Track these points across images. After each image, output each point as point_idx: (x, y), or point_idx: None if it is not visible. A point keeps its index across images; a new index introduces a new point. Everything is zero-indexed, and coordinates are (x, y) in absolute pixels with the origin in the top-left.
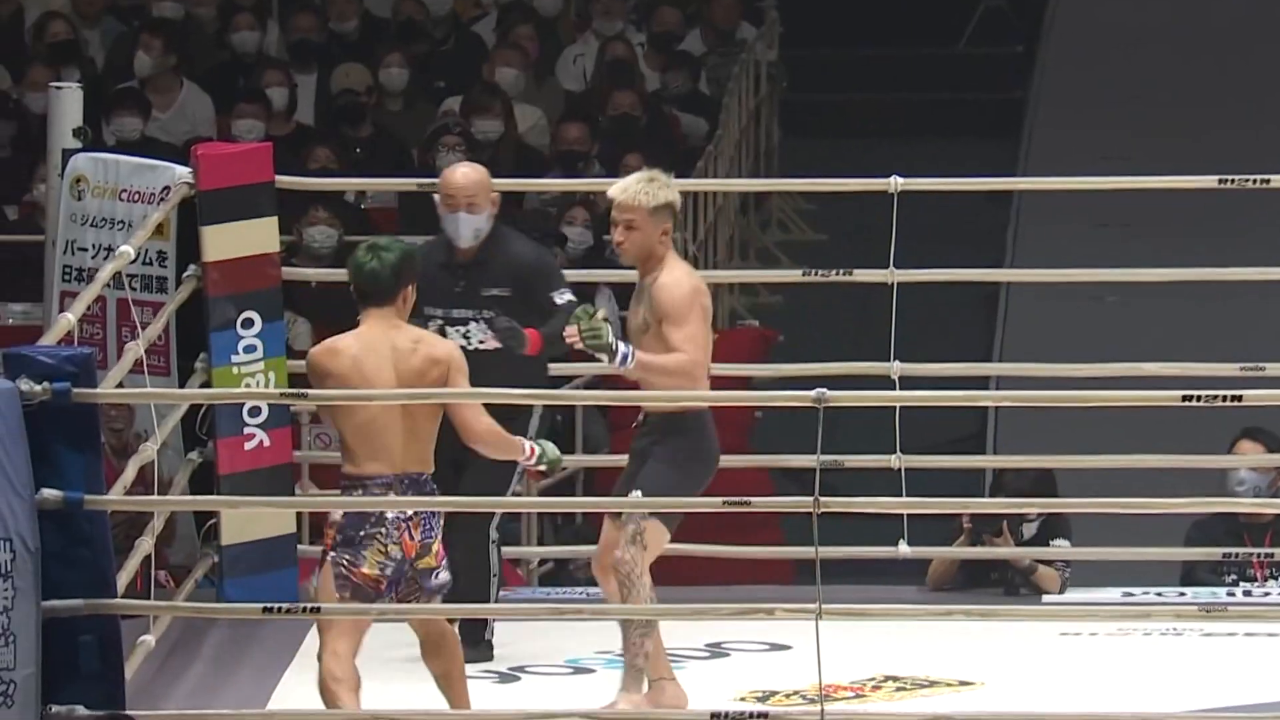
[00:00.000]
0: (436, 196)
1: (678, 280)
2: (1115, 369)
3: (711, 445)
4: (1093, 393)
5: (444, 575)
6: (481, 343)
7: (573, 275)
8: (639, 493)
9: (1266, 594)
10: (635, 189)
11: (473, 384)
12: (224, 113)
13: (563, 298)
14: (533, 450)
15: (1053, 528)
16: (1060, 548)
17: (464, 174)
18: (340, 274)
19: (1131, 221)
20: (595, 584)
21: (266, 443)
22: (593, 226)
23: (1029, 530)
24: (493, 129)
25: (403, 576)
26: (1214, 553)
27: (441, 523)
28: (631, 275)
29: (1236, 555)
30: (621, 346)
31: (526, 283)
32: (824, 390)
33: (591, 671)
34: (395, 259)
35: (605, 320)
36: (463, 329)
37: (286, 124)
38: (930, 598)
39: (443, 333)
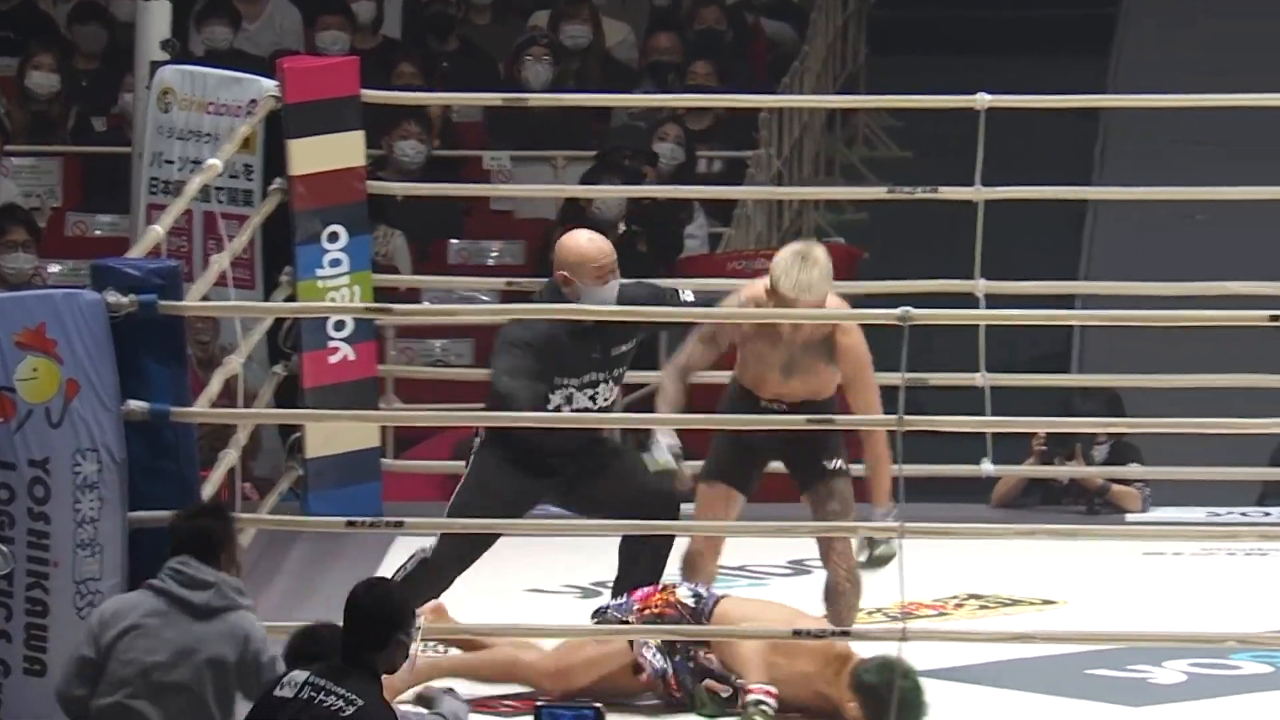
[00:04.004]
0: (563, 274)
1: (860, 341)
2: (1202, 288)
3: None
4: (1178, 312)
5: None
6: (607, 400)
7: (663, 192)
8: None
9: None
10: (811, 283)
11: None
12: (310, 25)
13: (686, 295)
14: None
15: (1122, 452)
16: (1135, 468)
17: (603, 240)
18: (427, 188)
19: (1221, 140)
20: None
21: (351, 356)
22: (684, 142)
23: (1100, 453)
24: (581, 34)
25: None
26: None
27: None
28: (720, 193)
29: None
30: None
31: (649, 328)
32: (909, 308)
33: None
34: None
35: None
36: (591, 391)
37: (373, 38)
38: (1009, 516)
39: (571, 400)
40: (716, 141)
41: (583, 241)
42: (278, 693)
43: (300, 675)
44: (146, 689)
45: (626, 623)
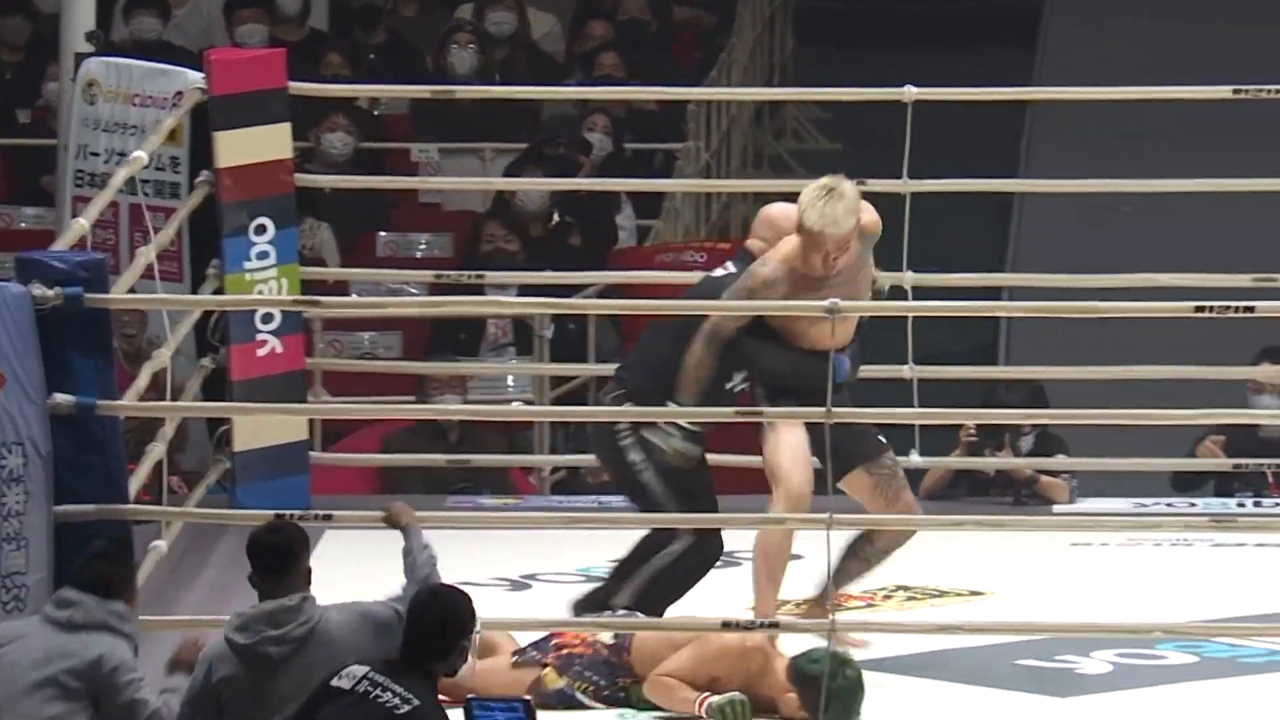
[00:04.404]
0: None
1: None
2: (1128, 279)
3: None
4: (1104, 304)
5: None
6: None
7: (588, 184)
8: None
9: (1277, 504)
10: (837, 217)
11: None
12: (228, 18)
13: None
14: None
15: (1048, 443)
16: (1062, 460)
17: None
18: (355, 180)
19: (1147, 132)
20: (606, 492)
21: (279, 349)
22: (612, 132)
23: (1026, 444)
24: (507, 21)
25: None
26: (1224, 463)
27: None
28: (649, 185)
29: (1246, 466)
30: None
31: None
32: (836, 300)
33: (603, 580)
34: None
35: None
36: None
37: (300, 30)
38: (937, 507)
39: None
40: (633, 132)
41: (791, 210)
42: (335, 683)
43: (359, 669)
44: (9, 696)
45: (545, 664)
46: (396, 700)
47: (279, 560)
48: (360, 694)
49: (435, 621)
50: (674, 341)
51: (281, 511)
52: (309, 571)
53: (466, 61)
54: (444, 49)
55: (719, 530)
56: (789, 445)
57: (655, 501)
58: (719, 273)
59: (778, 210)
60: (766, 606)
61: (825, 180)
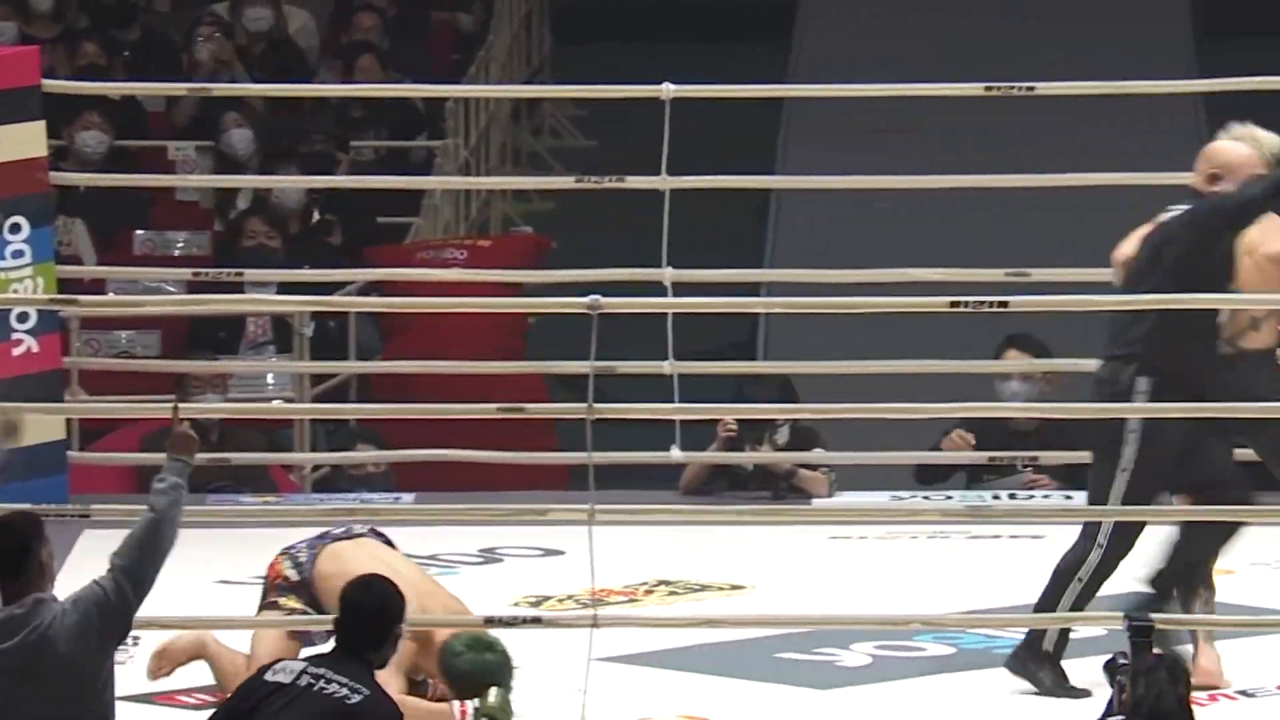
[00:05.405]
0: (1214, 172)
1: None
2: (884, 275)
3: None
4: (861, 299)
5: None
6: None
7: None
8: None
9: (1030, 496)
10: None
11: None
12: None
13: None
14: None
15: (802, 437)
16: (820, 454)
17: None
18: (111, 178)
19: (900, 128)
20: (370, 489)
21: (35, 348)
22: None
23: (782, 437)
24: (263, 17)
25: None
26: (979, 456)
27: None
28: (409, 183)
29: (1001, 459)
30: None
31: None
32: (598, 297)
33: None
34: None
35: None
36: None
37: (54, 26)
38: (698, 502)
39: None
40: (381, 128)
41: (1240, 146)
42: (269, 677)
43: (296, 664)
44: None
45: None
46: (345, 690)
47: (14, 561)
48: (304, 687)
49: (371, 611)
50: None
51: (31, 508)
52: (44, 565)
53: (210, 54)
54: (192, 42)
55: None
56: None
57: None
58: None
59: (1219, 147)
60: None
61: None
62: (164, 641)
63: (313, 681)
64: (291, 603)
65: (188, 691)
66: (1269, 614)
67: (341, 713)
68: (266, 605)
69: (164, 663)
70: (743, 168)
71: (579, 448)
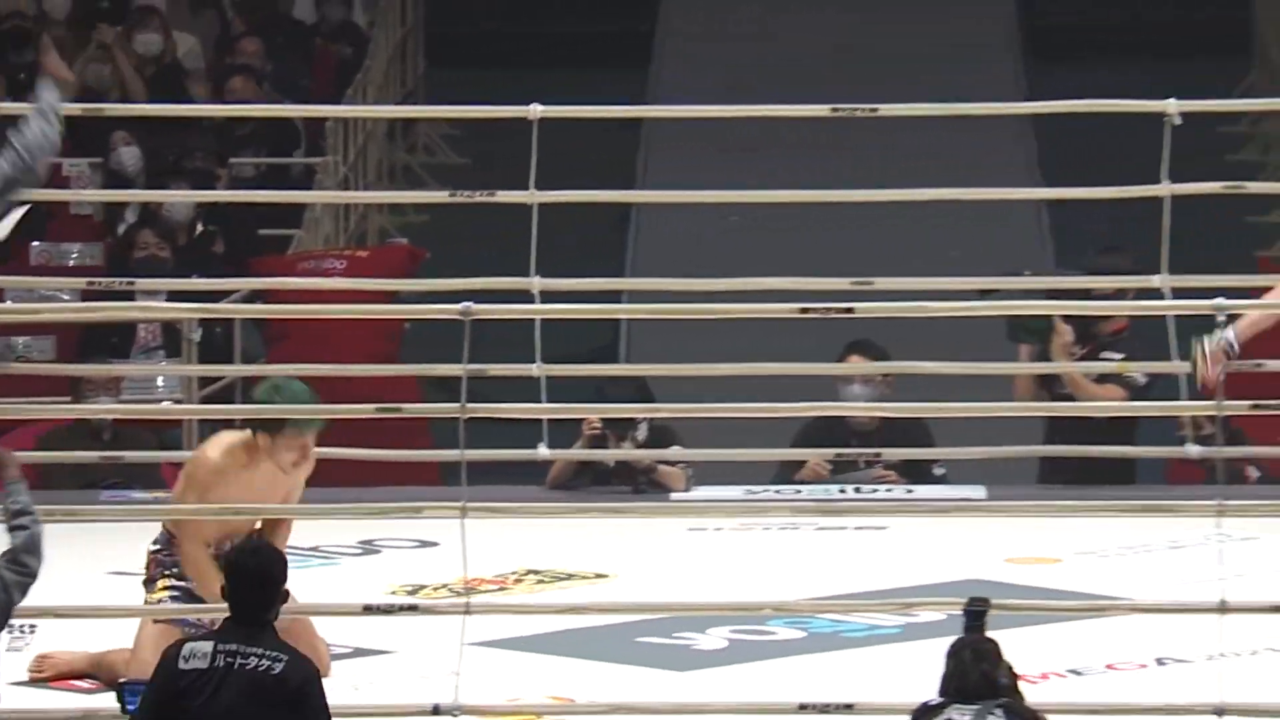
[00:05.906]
0: None
1: None
2: (737, 283)
3: None
4: (716, 305)
5: None
6: None
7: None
8: None
9: (874, 490)
10: None
11: None
12: None
13: None
14: None
15: (660, 435)
16: (678, 450)
17: None
18: None
19: (754, 147)
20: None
21: None
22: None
23: (641, 434)
24: (154, 42)
25: None
26: (825, 453)
27: None
28: (291, 197)
29: (843, 457)
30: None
31: None
32: (469, 304)
33: None
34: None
35: None
36: None
37: None
38: (564, 497)
39: None
40: (260, 146)
41: None
42: (184, 665)
43: (204, 645)
44: None
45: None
46: (266, 661)
47: None
48: (224, 668)
49: (262, 572)
50: None
51: None
52: None
53: (102, 75)
54: (84, 67)
55: None
56: None
57: None
58: None
59: None
60: None
61: None
62: (54, 653)
63: (230, 660)
64: (167, 583)
65: (82, 675)
66: (1097, 599)
67: (270, 684)
68: (148, 586)
69: (46, 668)
70: (605, 184)
71: (453, 445)
